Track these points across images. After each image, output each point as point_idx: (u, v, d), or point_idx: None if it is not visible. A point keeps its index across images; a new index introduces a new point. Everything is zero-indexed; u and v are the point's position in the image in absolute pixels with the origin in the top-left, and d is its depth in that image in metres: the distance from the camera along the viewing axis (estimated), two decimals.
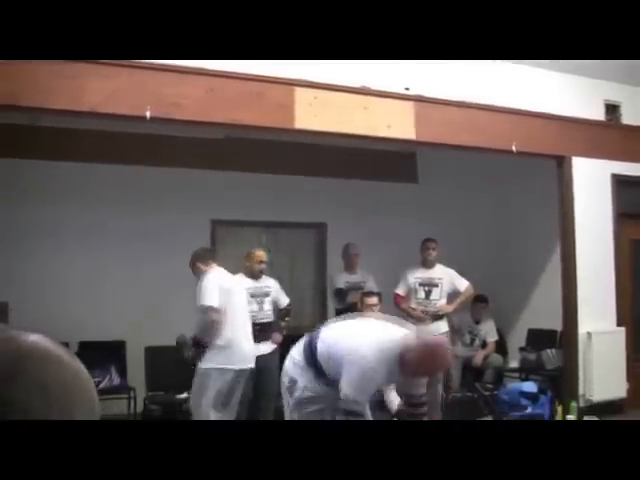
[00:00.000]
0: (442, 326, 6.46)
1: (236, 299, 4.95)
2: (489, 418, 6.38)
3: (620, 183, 6.94)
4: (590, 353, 6.51)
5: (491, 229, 8.12)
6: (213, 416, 4.68)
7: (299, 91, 5.41)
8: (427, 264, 6.55)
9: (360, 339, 3.27)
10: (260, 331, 5.71)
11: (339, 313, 5.64)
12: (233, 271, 6.76)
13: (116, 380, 6.00)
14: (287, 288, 6.34)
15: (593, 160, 6.74)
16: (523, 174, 7.54)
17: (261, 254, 5.92)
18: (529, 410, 6.16)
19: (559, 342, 7.01)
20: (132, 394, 5.99)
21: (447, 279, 6.44)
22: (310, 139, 6.48)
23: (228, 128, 5.92)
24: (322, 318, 6.75)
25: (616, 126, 7.03)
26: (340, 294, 6.63)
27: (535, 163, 6.90)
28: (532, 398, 6.25)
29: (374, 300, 5.80)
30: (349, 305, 6.33)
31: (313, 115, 5.45)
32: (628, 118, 7.07)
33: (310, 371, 3.38)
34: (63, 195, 6.48)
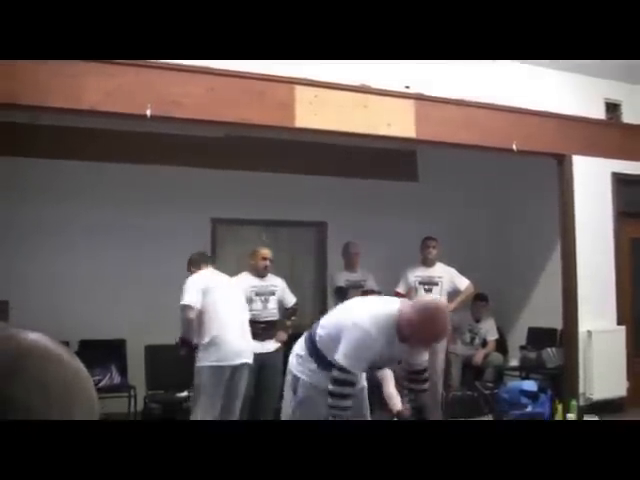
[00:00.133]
0: None
1: (219, 297, 4.90)
2: (489, 417, 6.38)
3: (620, 182, 6.94)
4: (590, 352, 6.51)
5: (491, 227, 8.12)
6: (211, 415, 4.69)
7: (299, 90, 5.41)
8: (427, 263, 6.56)
9: (357, 311, 3.26)
10: (264, 329, 5.72)
11: None
12: (234, 270, 6.77)
13: (116, 379, 6.00)
14: (287, 286, 6.34)
15: (593, 158, 6.74)
16: (523, 173, 7.54)
17: (265, 252, 5.91)
18: (529, 409, 6.15)
19: (559, 341, 7.01)
20: (132, 393, 6.00)
21: (447, 278, 6.44)
22: (310, 137, 6.48)
23: (229, 127, 5.92)
24: (322, 316, 6.74)
25: (616, 125, 7.03)
26: (340, 292, 6.63)
27: (535, 161, 6.90)
28: (532, 397, 6.24)
29: None
30: None
31: (313, 114, 5.46)
32: (628, 117, 7.07)
33: (312, 362, 3.34)
34: (63, 194, 6.47)
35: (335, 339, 3.21)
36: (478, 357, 7.09)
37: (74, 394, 0.68)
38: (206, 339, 4.77)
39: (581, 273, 6.56)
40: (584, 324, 6.55)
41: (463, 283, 6.55)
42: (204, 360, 4.73)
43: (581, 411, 6.28)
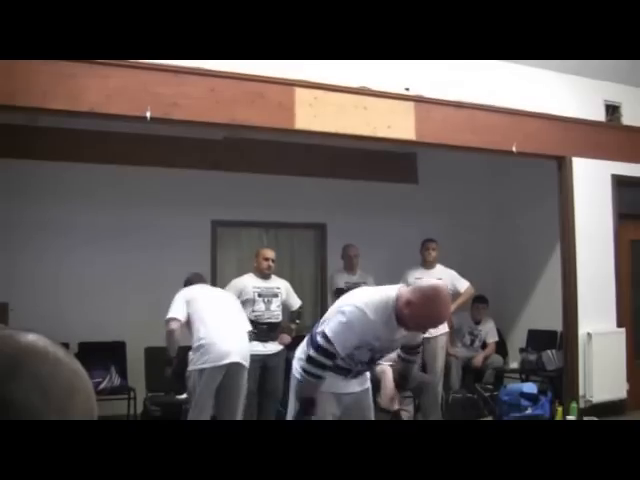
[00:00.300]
0: (442, 326, 6.46)
1: (205, 304, 4.95)
2: (489, 419, 6.38)
3: (620, 183, 6.94)
4: (590, 354, 6.50)
5: (491, 229, 8.12)
6: (203, 417, 4.71)
7: (299, 91, 5.41)
8: (427, 264, 6.56)
9: (355, 296, 3.23)
10: (266, 330, 5.73)
11: None
12: (234, 271, 6.79)
13: (116, 381, 5.99)
14: (292, 289, 6.34)
15: (593, 160, 6.74)
16: (523, 175, 7.55)
17: (268, 252, 5.93)
18: (529, 411, 6.16)
19: (559, 343, 7.00)
20: (132, 395, 5.99)
21: (447, 280, 6.43)
22: (310, 139, 6.49)
23: (228, 128, 5.92)
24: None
25: (616, 127, 7.03)
26: (340, 294, 6.60)
27: (535, 163, 6.90)
28: (532, 399, 6.25)
29: None
30: None
31: (313, 115, 5.45)
32: (628, 119, 7.07)
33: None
34: (62, 197, 6.47)
35: (331, 319, 3.20)
36: (478, 359, 7.08)
37: (72, 395, 0.67)
38: (195, 344, 4.80)
39: (581, 275, 6.56)
40: (584, 326, 6.54)
41: (463, 285, 6.55)
42: (193, 364, 4.77)
43: (581, 413, 6.28)
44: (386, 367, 4.99)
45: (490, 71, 6.24)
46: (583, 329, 6.54)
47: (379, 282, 6.51)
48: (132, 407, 5.96)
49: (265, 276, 5.89)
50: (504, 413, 6.24)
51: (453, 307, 6.46)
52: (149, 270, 6.73)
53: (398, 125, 5.82)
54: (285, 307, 6.01)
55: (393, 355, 3.89)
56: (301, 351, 3.45)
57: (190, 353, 4.85)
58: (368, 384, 3.52)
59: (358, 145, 6.88)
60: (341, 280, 6.73)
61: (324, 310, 7.53)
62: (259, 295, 5.79)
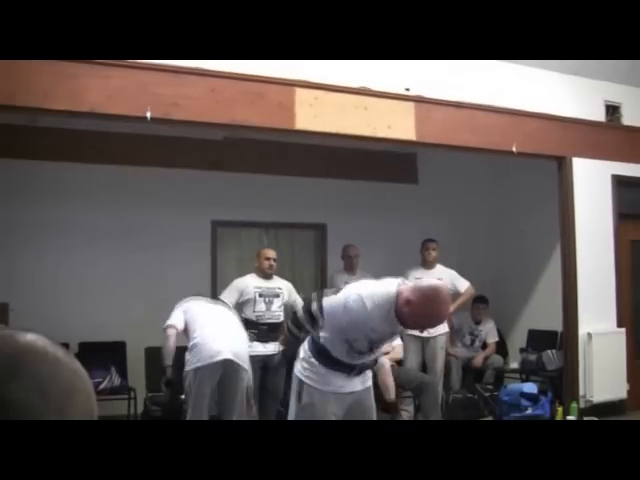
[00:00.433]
0: (442, 326, 6.46)
1: (200, 310, 5.06)
2: (489, 419, 6.38)
3: (620, 184, 6.94)
4: (590, 354, 6.50)
5: (491, 230, 8.12)
6: (198, 416, 4.74)
7: (299, 92, 5.41)
8: (427, 264, 6.56)
9: (355, 288, 3.22)
10: (267, 331, 5.74)
11: None
12: (234, 271, 6.79)
13: (116, 381, 5.99)
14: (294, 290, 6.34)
15: (593, 161, 6.74)
16: (523, 175, 7.54)
17: (269, 252, 5.95)
18: (529, 411, 6.16)
19: (559, 343, 7.00)
20: (132, 395, 5.99)
21: (447, 280, 6.43)
22: (310, 139, 6.49)
23: (228, 129, 5.92)
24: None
25: (616, 127, 7.03)
26: None
27: (535, 164, 6.90)
28: (533, 399, 6.25)
29: None
30: None
31: (313, 116, 5.46)
32: (628, 119, 7.07)
33: (317, 363, 3.31)
34: (62, 197, 6.47)
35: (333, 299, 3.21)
36: (478, 359, 7.08)
37: (72, 395, 0.67)
38: (189, 345, 4.87)
39: (581, 275, 6.56)
40: (584, 326, 6.54)
41: (463, 285, 6.55)
42: (188, 365, 4.81)
43: (581, 413, 6.28)
44: (384, 360, 4.99)
45: (490, 71, 6.24)
46: (583, 329, 6.54)
47: None
48: (132, 407, 5.96)
49: (267, 276, 5.90)
50: (504, 413, 6.24)
51: (453, 307, 6.47)
52: (149, 270, 6.74)
53: (398, 125, 5.82)
54: (291, 307, 6.01)
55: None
56: (302, 352, 3.45)
57: (186, 354, 4.89)
58: (370, 383, 3.51)
59: (358, 145, 6.88)
60: (341, 280, 6.72)
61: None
62: (260, 295, 5.80)
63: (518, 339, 7.69)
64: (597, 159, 6.77)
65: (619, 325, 6.81)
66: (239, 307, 5.91)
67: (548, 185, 6.90)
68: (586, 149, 6.73)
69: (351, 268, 6.77)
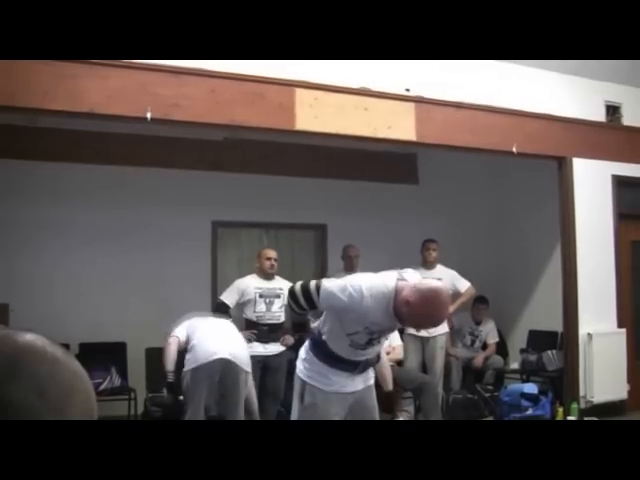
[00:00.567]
0: (442, 326, 6.46)
1: (201, 321, 5.17)
2: (490, 419, 6.38)
3: (621, 184, 6.93)
4: (591, 354, 6.50)
5: (492, 230, 8.12)
6: (196, 415, 4.76)
7: (299, 92, 5.41)
8: (427, 265, 6.56)
9: (354, 279, 3.22)
10: (268, 332, 5.74)
11: None
12: (235, 272, 6.78)
13: (117, 381, 5.99)
14: None
15: (593, 161, 6.74)
16: (523, 175, 7.54)
17: (269, 252, 5.96)
18: (530, 412, 6.16)
19: (560, 343, 7.00)
20: (133, 395, 5.99)
21: (448, 280, 6.43)
22: (310, 140, 6.48)
23: (229, 129, 5.92)
24: None
25: (617, 127, 7.03)
26: None
27: (536, 164, 6.90)
28: (533, 399, 6.24)
29: None
30: None
31: (313, 116, 5.46)
32: (629, 119, 7.07)
33: (319, 361, 3.30)
34: (62, 197, 6.47)
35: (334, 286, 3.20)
36: (478, 360, 7.08)
37: (71, 395, 0.67)
38: (188, 347, 4.95)
39: (581, 275, 6.56)
40: (584, 327, 6.54)
41: (464, 285, 6.55)
42: (186, 365, 4.88)
43: (582, 414, 6.28)
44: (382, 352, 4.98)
45: (490, 71, 6.24)
46: (583, 329, 6.54)
47: None
48: (133, 408, 5.96)
49: (268, 276, 5.90)
50: (505, 414, 6.24)
51: (454, 307, 6.48)
52: (150, 271, 6.74)
53: (398, 126, 5.82)
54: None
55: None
56: (304, 352, 3.44)
57: (186, 355, 4.96)
58: (372, 382, 3.50)
59: (358, 146, 6.88)
60: None
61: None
62: (260, 296, 5.80)
63: (518, 339, 7.69)
64: (597, 159, 6.76)
65: (619, 325, 6.81)
66: (240, 307, 5.92)
67: (548, 185, 6.89)
68: (586, 149, 6.73)
69: (351, 268, 6.75)
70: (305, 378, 3.35)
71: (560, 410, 6.25)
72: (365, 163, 7.58)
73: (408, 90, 5.90)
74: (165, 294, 6.72)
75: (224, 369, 4.76)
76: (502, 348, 7.63)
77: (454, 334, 7.13)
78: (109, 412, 4.76)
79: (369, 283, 3.09)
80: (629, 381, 6.73)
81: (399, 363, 6.07)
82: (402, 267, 6.47)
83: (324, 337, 3.28)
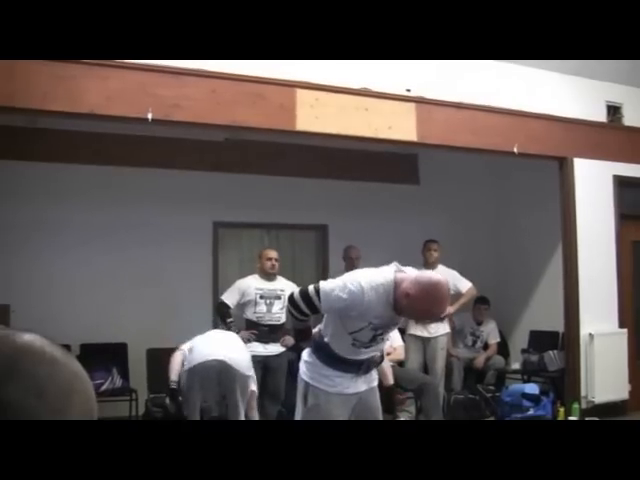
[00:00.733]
0: (443, 327, 6.46)
1: (206, 333, 5.19)
2: (491, 420, 6.37)
3: (622, 184, 6.93)
4: (592, 355, 6.50)
5: (493, 230, 8.12)
6: (192, 413, 4.81)
7: (300, 93, 5.41)
8: (429, 265, 6.55)
9: (354, 274, 3.23)
10: (268, 332, 5.74)
11: None
12: (236, 272, 6.78)
13: (118, 382, 5.99)
14: None
15: (595, 161, 6.74)
16: (524, 175, 7.54)
17: (270, 252, 5.96)
18: (531, 412, 6.15)
19: (561, 344, 7.00)
20: (134, 396, 5.99)
21: (449, 280, 6.42)
22: (311, 140, 6.48)
23: (229, 130, 5.92)
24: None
25: (618, 127, 7.02)
26: None
27: (537, 164, 6.90)
28: (534, 400, 6.24)
29: None
30: None
31: (314, 117, 5.45)
32: (630, 119, 7.07)
33: (321, 363, 3.29)
34: (64, 197, 6.47)
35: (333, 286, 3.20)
36: (480, 360, 7.08)
37: (70, 395, 0.67)
38: (187, 350, 4.97)
39: (583, 276, 6.55)
40: (586, 327, 6.54)
41: (465, 286, 6.55)
42: (184, 367, 4.90)
43: (583, 414, 6.27)
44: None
45: (491, 72, 6.24)
46: (585, 330, 6.54)
47: None
48: (134, 408, 5.96)
49: (269, 277, 5.91)
50: (506, 414, 6.24)
51: (455, 308, 6.49)
52: (151, 272, 6.74)
53: (399, 126, 5.82)
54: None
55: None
56: (306, 353, 3.43)
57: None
58: (375, 384, 3.49)
59: (359, 146, 6.87)
60: None
61: None
62: (261, 297, 5.81)
63: (519, 340, 7.69)
64: (598, 159, 6.76)
65: (621, 326, 6.81)
66: (240, 308, 5.93)
67: (549, 185, 6.89)
68: (587, 149, 6.72)
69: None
70: (308, 380, 3.34)
71: (561, 410, 6.25)
72: (366, 163, 7.58)
73: (409, 90, 5.90)
74: (166, 295, 6.72)
75: (220, 370, 4.76)
76: (503, 348, 7.63)
77: (455, 334, 7.13)
78: (110, 413, 4.75)
79: (367, 277, 3.10)
80: (630, 381, 6.73)
81: (400, 364, 6.06)
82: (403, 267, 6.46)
83: (326, 339, 3.28)
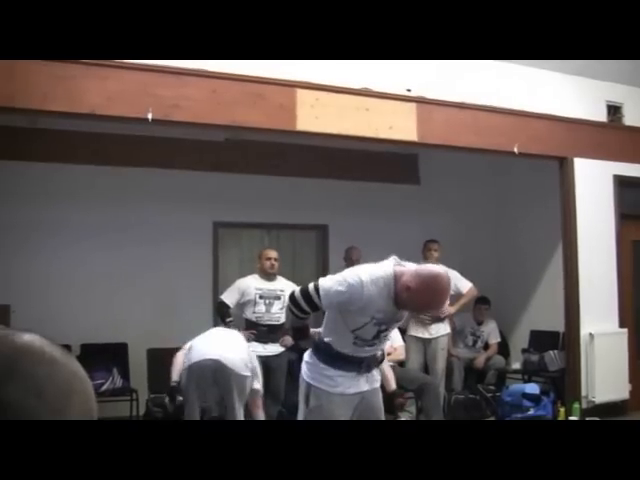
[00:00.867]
0: (443, 328, 6.46)
1: (207, 332, 5.16)
2: (492, 420, 6.37)
3: (622, 184, 6.93)
4: (592, 354, 6.49)
5: (493, 230, 8.12)
6: (191, 411, 4.82)
7: (300, 93, 5.41)
8: None
9: (359, 269, 3.24)
10: (267, 332, 5.74)
11: None
12: (236, 272, 6.78)
13: (118, 382, 5.99)
14: None
15: (595, 161, 6.73)
16: (525, 175, 7.54)
17: (270, 252, 5.96)
18: (531, 412, 6.15)
19: (561, 343, 6.99)
20: (135, 396, 6.00)
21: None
22: (311, 140, 6.48)
23: (230, 130, 5.92)
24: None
25: (618, 127, 7.02)
26: None
27: (537, 164, 6.90)
28: (535, 400, 6.24)
29: None
30: None
31: (314, 117, 5.45)
32: (630, 119, 7.06)
33: (322, 363, 3.28)
34: (64, 198, 6.47)
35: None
36: (480, 360, 7.07)
37: (70, 396, 0.67)
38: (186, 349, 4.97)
39: (583, 276, 6.55)
40: (586, 327, 6.53)
41: (465, 286, 6.55)
42: (183, 366, 4.90)
43: (583, 414, 6.27)
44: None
45: (492, 72, 6.24)
46: (585, 330, 6.54)
47: None
48: (135, 408, 5.96)
49: (269, 277, 5.91)
50: (506, 414, 6.23)
51: (456, 308, 6.49)
52: (151, 271, 6.74)
53: (400, 126, 5.82)
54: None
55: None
56: (307, 354, 3.43)
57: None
58: (377, 384, 3.47)
59: (359, 146, 6.88)
60: None
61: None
62: (260, 297, 5.81)
63: (520, 340, 7.69)
64: (599, 159, 6.76)
65: (621, 326, 6.80)
66: (240, 307, 5.93)
67: (550, 185, 6.89)
68: (588, 149, 6.72)
69: None
70: (310, 380, 3.33)
71: (562, 410, 6.25)
72: (366, 163, 7.58)
73: (409, 90, 5.90)
74: (167, 295, 6.73)
75: (215, 370, 4.76)
76: (504, 348, 7.63)
77: (456, 334, 7.12)
78: (111, 413, 4.76)
79: (367, 271, 3.11)
80: (631, 381, 6.73)
81: (401, 364, 6.07)
82: None
83: (328, 339, 3.27)
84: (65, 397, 0.66)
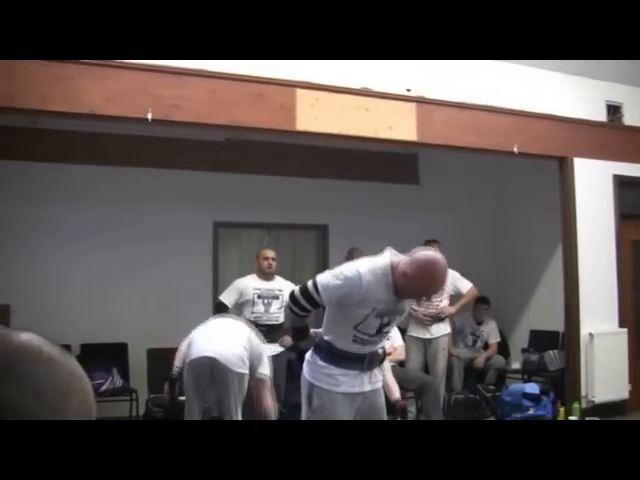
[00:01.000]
0: (444, 328, 6.46)
1: (209, 321, 5.12)
2: (491, 419, 6.38)
3: (622, 184, 6.93)
4: (592, 354, 6.49)
5: (493, 230, 8.12)
6: (190, 409, 4.80)
7: (300, 93, 5.41)
8: None
9: (356, 262, 3.23)
10: (266, 332, 5.73)
11: None
12: (236, 272, 6.77)
13: (118, 382, 5.99)
14: None
15: (595, 161, 6.73)
16: (524, 175, 7.54)
17: (267, 252, 5.96)
18: (531, 411, 6.15)
19: (561, 343, 7.00)
20: (134, 396, 6.00)
21: (449, 280, 6.42)
22: (311, 140, 6.48)
23: (229, 130, 5.92)
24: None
25: (618, 127, 7.02)
26: None
27: (537, 163, 6.90)
28: (534, 399, 6.24)
29: None
30: None
31: (314, 117, 5.45)
32: (630, 119, 7.06)
33: (324, 362, 3.26)
34: (64, 198, 6.47)
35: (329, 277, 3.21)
36: (480, 360, 7.07)
37: (68, 395, 0.67)
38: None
39: (583, 275, 6.55)
40: (586, 326, 6.53)
41: (465, 286, 6.55)
42: (186, 360, 4.88)
43: (583, 414, 6.27)
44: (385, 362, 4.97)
45: (492, 72, 6.23)
46: (585, 329, 6.53)
47: None
48: (134, 409, 5.96)
49: (267, 277, 5.90)
50: (506, 414, 6.23)
51: (456, 308, 6.49)
52: (151, 271, 6.74)
53: (400, 126, 5.82)
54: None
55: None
56: (308, 354, 3.42)
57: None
58: (380, 385, 3.46)
59: (359, 146, 6.88)
60: None
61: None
62: (259, 297, 5.80)
63: (520, 339, 7.69)
64: (599, 159, 6.76)
65: (621, 325, 6.80)
66: (238, 308, 5.92)
67: (549, 185, 6.89)
68: (588, 149, 6.72)
69: None
70: (312, 380, 3.31)
71: (562, 410, 6.25)
72: (366, 163, 7.59)
73: (409, 90, 5.90)
74: (167, 295, 6.73)
75: (212, 368, 4.75)
76: (503, 348, 7.63)
77: (456, 334, 7.12)
78: (110, 413, 4.76)
79: (364, 263, 3.13)
80: (631, 381, 6.73)
81: (401, 364, 6.07)
82: None
83: (328, 337, 3.27)
84: (63, 396, 0.66)
